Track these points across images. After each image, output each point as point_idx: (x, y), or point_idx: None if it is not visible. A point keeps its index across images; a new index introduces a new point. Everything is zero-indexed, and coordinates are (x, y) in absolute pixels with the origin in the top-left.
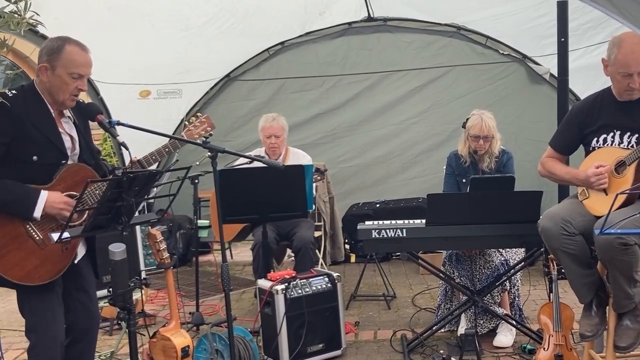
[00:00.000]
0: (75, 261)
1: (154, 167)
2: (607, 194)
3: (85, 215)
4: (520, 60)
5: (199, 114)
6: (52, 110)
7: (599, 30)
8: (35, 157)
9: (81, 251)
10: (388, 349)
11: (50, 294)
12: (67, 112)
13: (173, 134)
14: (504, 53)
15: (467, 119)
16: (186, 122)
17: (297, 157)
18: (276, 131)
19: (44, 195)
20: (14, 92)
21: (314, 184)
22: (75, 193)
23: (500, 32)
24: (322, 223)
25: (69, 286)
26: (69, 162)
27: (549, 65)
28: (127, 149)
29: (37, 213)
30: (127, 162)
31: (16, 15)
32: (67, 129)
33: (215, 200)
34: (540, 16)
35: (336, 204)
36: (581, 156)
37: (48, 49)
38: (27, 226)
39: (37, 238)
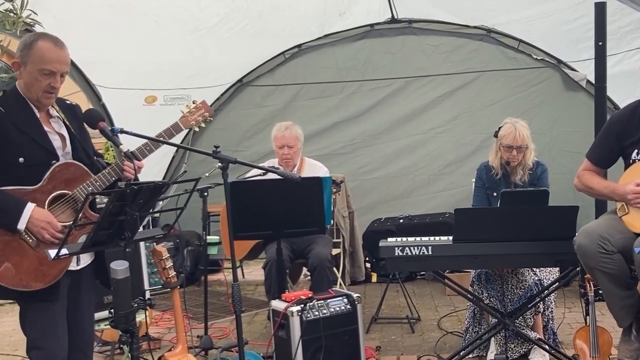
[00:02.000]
0: (78, 266)
1: (160, 176)
2: None
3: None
4: (554, 66)
5: (194, 100)
6: (36, 111)
7: None
8: (21, 159)
9: (85, 257)
10: None
11: (51, 305)
12: (54, 112)
13: (181, 142)
14: (538, 58)
15: (500, 128)
16: (181, 111)
17: (313, 168)
18: (289, 141)
19: (29, 207)
20: None
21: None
22: (67, 192)
23: (534, 35)
24: (340, 240)
25: (73, 300)
26: (61, 161)
27: (586, 71)
28: (130, 159)
29: (22, 225)
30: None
31: (12, 14)
32: (57, 128)
33: (226, 214)
34: (577, 18)
35: (356, 219)
36: (620, 169)
37: (21, 44)
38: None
39: (30, 241)
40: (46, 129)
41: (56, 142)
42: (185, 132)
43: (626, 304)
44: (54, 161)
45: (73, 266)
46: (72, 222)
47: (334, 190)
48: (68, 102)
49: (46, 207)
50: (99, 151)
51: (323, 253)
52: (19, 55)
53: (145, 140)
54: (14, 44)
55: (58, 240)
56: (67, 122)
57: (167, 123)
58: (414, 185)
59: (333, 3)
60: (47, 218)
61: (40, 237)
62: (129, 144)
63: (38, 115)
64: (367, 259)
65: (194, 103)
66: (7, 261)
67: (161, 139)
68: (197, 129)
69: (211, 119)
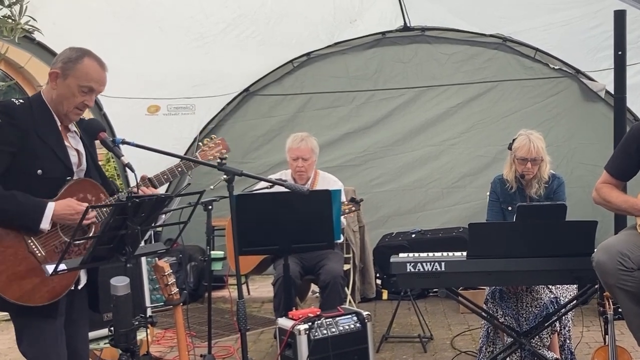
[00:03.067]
0: (79, 287)
1: (163, 188)
2: None
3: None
4: (572, 76)
5: (213, 136)
6: (59, 123)
7: None
8: (40, 171)
9: (84, 277)
10: None
11: (51, 320)
12: (72, 127)
13: (185, 153)
14: (555, 67)
15: (514, 140)
16: (200, 143)
17: (327, 182)
18: (304, 153)
19: (50, 206)
20: (21, 101)
21: (346, 216)
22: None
23: (551, 43)
24: (350, 255)
25: (71, 316)
26: (75, 177)
27: (605, 81)
28: (132, 170)
29: (44, 225)
30: (132, 183)
31: (10, 21)
32: (74, 144)
33: (231, 229)
34: (595, 26)
35: (367, 233)
36: None
37: (65, 57)
38: (29, 241)
39: (39, 255)
40: (65, 143)
41: (74, 157)
42: (189, 143)
43: None
44: (68, 177)
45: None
46: (86, 210)
47: (353, 208)
48: (85, 118)
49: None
50: (100, 162)
51: (336, 269)
52: (60, 67)
53: (163, 170)
54: (12, 51)
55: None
56: (83, 139)
57: (171, 134)
58: (426, 198)
59: (343, 10)
60: (73, 206)
61: (77, 219)
62: (130, 155)
63: (60, 128)
64: (377, 275)
65: (212, 139)
66: (13, 273)
67: (179, 169)
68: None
69: (227, 157)
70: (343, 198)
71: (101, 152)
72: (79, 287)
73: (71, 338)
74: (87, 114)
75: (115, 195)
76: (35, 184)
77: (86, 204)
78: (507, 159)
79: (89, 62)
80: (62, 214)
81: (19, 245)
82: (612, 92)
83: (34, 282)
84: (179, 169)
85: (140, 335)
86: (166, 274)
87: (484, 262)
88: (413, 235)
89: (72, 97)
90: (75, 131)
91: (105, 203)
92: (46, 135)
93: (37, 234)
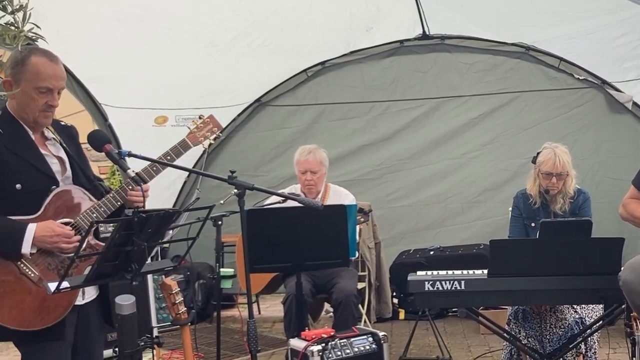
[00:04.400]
0: (83, 300)
1: (169, 204)
2: None
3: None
4: (598, 86)
5: (202, 115)
6: (30, 133)
7: None
8: (18, 185)
9: (91, 291)
10: None
11: (56, 344)
12: (49, 134)
13: (193, 166)
14: (580, 78)
15: (538, 154)
16: (188, 127)
17: (338, 196)
18: (313, 166)
19: (31, 228)
20: None
21: (357, 227)
22: (69, 220)
23: (576, 53)
24: (366, 273)
25: (80, 338)
26: (61, 186)
27: (632, 92)
28: (138, 184)
29: (26, 249)
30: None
31: (13, 28)
32: (54, 151)
33: (242, 245)
34: (622, 35)
35: (383, 250)
36: None
37: (12, 61)
38: (19, 263)
39: (32, 275)
40: (43, 152)
41: (55, 165)
42: (198, 155)
43: None
44: (53, 186)
45: (78, 300)
46: (74, 253)
47: (362, 219)
48: (63, 123)
49: None
50: (103, 176)
51: (349, 287)
52: (10, 74)
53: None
54: None
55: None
56: (64, 145)
57: None
58: (446, 214)
59: (360, 17)
60: (55, 230)
61: (59, 250)
62: (137, 168)
63: (33, 137)
64: (394, 294)
65: (200, 118)
66: (8, 301)
67: (168, 158)
68: (205, 146)
69: (220, 134)
70: None
71: (106, 164)
72: (83, 302)
73: (87, 358)
74: (92, 125)
75: (104, 198)
76: (16, 199)
77: (69, 228)
78: (530, 173)
79: (37, 60)
80: (41, 235)
81: (8, 268)
82: None
83: (32, 305)
84: (168, 157)
85: (146, 356)
86: (173, 292)
87: (505, 281)
88: (431, 253)
89: (32, 101)
90: (53, 138)
91: (111, 219)
92: (18, 148)
93: (24, 256)
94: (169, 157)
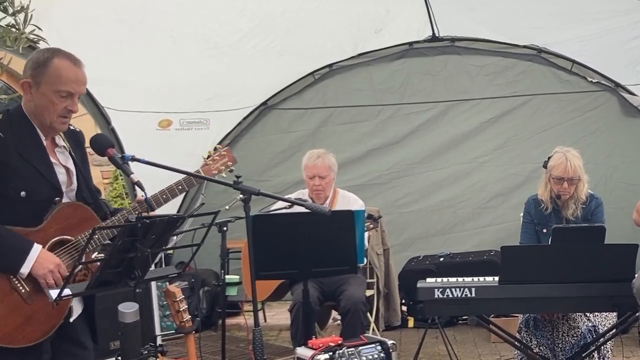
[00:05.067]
0: (71, 319)
1: (173, 210)
2: None
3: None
4: (612, 89)
5: (218, 146)
6: (43, 138)
7: None
8: (23, 193)
9: (77, 308)
10: None
11: None
12: (60, 142)
13: (198, 171)
14: (593, 81)
15: (549, 158)
16: (203, 157)
17: (346, 201)
18: (321, 171)
19: (36, 249)
20: None
21: (366, 234)
22: (69, 237)
23: (588, 55)
24: (374, 280)
25: (59, 352)
26: (64, 199)
27: None
28: (142, 189)
29: (25, 269)
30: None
31: (14, 30)
32: (62, 160)
33: (248, 251)
34: (635, 37)
35: (392, 257)
36: None
37: (33, 62)
38: (12, 277)
39: (23, 291)
40: (52, 160)
41: (61, 176)
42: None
43: None
44: (57, 198)
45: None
46: (75, 265)
47: (371, 226)
48: (72, 127)
49: None
50: (106, 180)
51: (357, 295)
52: (31, 75)
53: (162, 189)
54: (15, 62)
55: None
56: (73, 153)
57: (183, 150)
58: (456, 219)
59: (368, 19)
60: (55, 260)
61: (43, 280)
62: (140, 172)
63: (45, 143)
64: (403, 301)
65: (215, 150)
66: None
67: (179, 187)
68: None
69: (233, 169)
70: None
71: (109, 169)
72: (71, 320)
73: None
74: (94, 129)
75: (108, 220)
76: (19, 208)
77: (64, 268)
78: (542, 178)
79: (59, 63)
80: (40, 262)
81: (2, 280)
82: None
83: (17, 321)
84: (179, 187)
85: None
86: (178, 299)
87: (517, 288)
88: (441, 259)
89: (52, 105)
90: (64, 146)
91: (113, 224)
92: (29, 153)
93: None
94: (180, 187)
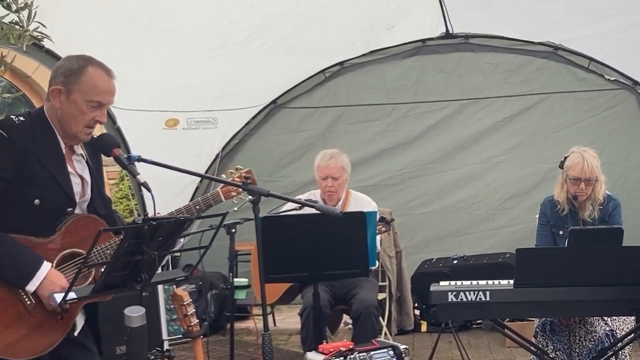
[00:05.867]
0: (75, 333)
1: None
2: None
3: (90, 278)
4: (630, 88)
5: (239, 167)
6: (62, 145)
7: None
8: (37, 201)
9: (80, 321)
10: None
11: None
12: (78, 149)
13: (205, 172)
14: (611, 78)
15: (566, 158)
16: (223, 176)
17: (359, 203)
18: (334, 172)
19: (45, 267)
20: (21, 119)
21: (378, 237)
22: (80, 251)
23: (606, 52)
24: (386, 283)
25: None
26: (77, 210)
27: None
28: (149, 190)
29: (32, 287)
30: (148, 207)
31: (17, 27)
32: (78, 169)
33: (257, 254)
34: None
35: (404, 259)
36: None
37: (66, 69)
38: (19, 289)
39: (29, 303)
40: (69, 168)
41: (77, 186)
42: (210, 160)
43: None
44: (69, 208)
45: (70, 334)
46: (83, 259)
47: (383, 229)
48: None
49: (54, 265)
50: (112, 181)
51: (369, 298)
52: (62, 82)
53: (179, 207)
54: (18, 59)
55: (60, 310)
56: (90, 162)
57: (191, 150)
58: (470, 221)
59: (380, 15)
60: (62, 283)
61: (47, 302)
62: (146, 173)
63: (64, 150)
64: (416, 305)
65: (237, 170)
66: None
67: (197, 207)
68: (235, 202)
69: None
70: None
71: (115, 169)
72: (75, 334)
73: None
74: (99, 129)
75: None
76: (31, 216)
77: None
78: (558, 179)
79: (94, 72)
80: (48, 282)
81: (8, 290)
82: None
83: (19, 333)
84: (197, 207)
85: None
86: (185, 303)
87: (532, 292)
88: (455, 262)
89: (81, 114)
90: (81, 154)
91: (120, 227)
92: (48, 160)
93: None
94: (197, 207)
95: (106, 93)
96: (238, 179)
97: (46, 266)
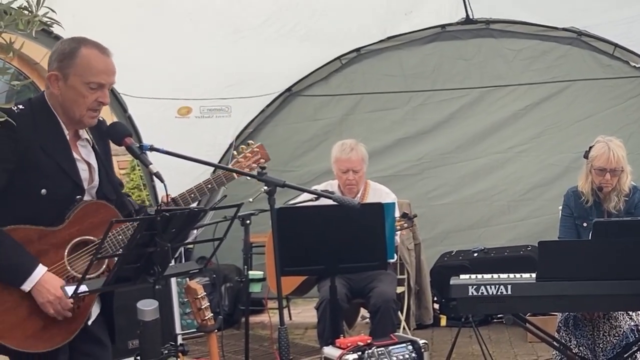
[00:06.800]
0: (89, 322)
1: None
2: None
3: (104, 266)
4: None
5: (250, 142)
6: (66, 131)
7: None
8: (44, 191)
9: (95, 310)
10: None
11: None
12: (83, 134)
13: (219, 161)
14: (636, 65)
15: (591, 148)
16: (234, 152)
17: (378, 194)
18: (355, 165)
19: (40, 271)
20: (20, 107)
21: (399, 233)
22: (92, 238)
23: (632, 39)
24: (405, 276)
25: (75, 352)
26: (86, 196)
27: None
28: (162, 180)
29: (27, 287)
30: (160, 197)
31: (26, 12)
32: (84, 155)
33: (272, 246)
34: None
35: (423, 252)
36: None
37: (59, 53)
38: None
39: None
40: (74, 155)
41: (84, 172)
42: (224, 149)
43: None
44: (78, 196)
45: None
46: (94, 252)
47: (405, 225)
48: None
49: (66, 254)
50: (123, 171)
51: (388, 292)
52: (57, 67)
53: (190, 187)
54: (28, 45)
55: (62, 317)
56: (96, 146)
57: (204, 139)
58: (490, 212)
59: (397, 0)
60: (56, 291)
61: (44, 309)
62: (158, 162)
63: (67, 137)
64: (435, 299)
65: (249, 145)
66: (12, 317)
67: (209, 186)
68: (248, 178)
69: (266, 166)
70: (396, 213)
71: (125, 159)
72: (89, 323)
73: None
74: (110, 117)
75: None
76: (39, 206)
77: (71, 301)
78: (582, 169)
79: (88, 52)
80: (44, 285)
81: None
82: None
83: (37, 325)
84: (209, 186)
85: None
86: (199, 296)
87: (555, 285)
88: (475, 254)
89: (82, 98)
90: (87, 139)
91: (132, 218)
92: (51, 148)
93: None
94: (209, 186)
95: (103, 73)
96: (250, 154)
97: (40, 271)
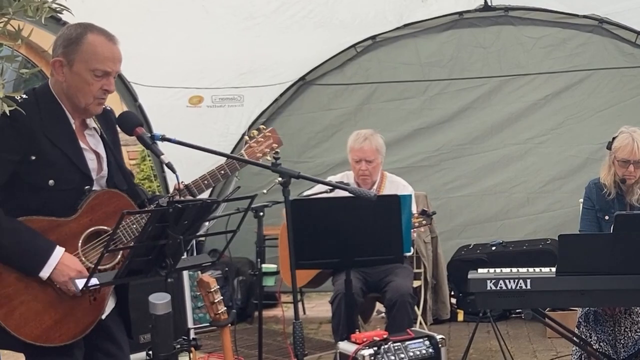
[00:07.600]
0: (103, 316)
1: (206, 194)
2: None
3: (119, 257)
4: None
5: (262, 127)
6: (72, 120)
7: None
8: (51, 182)
9: (110, 303)
10: None
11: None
12: (91, 123)
13: (232, 152)
14: None
15: (614, 139)
16: (247, 137)
17: (395, 186)
18: (368, 154)
19: (57, 253)
20: (24, 96)
21: (416, 229)
22: (106, 228)
23: None
24: (421, 270)
25: (92, 350)
26: (95, 186)
27: None
28: (173, 171)
29: (45, 274)
30: (171, 188)
31: None
32: (92, 144)
33: (286, 238)
34: None
35: (440, 245)
36: None
37: (64, 39)
38: None
39: (58, 287)
40: (81, 144)
41: (92, 162)
42: (236, 139)
43: None
44: (87, 186)
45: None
46: (104, 244)
47: (424, 222)
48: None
49: (80, 245)
50: (133, 161)
51: (404, 286)
52: (62, 53)
53: (203, 174)
54: (36, 33)
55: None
56: (104, 135)
57: (216, 128)
58: (509, 205)
59: None
60: (78, 267)
61: (65, 289)
62: (170, 153)
63: (74, 126)
64: (452, 293)
65: (259, 130)
66: (29, 310)
67: (222, 172)
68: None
69: (278, 151)
70: (413, 207)
71: (136, 149)
72: (103, 317)
73: None
74: (120, 106)
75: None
76: (49, 197)
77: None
78: (604, 161)
79: (94, 39)
80: (64, 266)
81: (35, 276)
82: None
83: (54, 318)
84: (222, 172)
85: (183, 359)
86: (212, 290)
87: (576, 280)
88: (493, 248)
89: (87, 85)
90: (94, 127)
91: (143, 209)
92: (57, 137)
93: None
94: (222, 172)
95: (109, 60)
96: (262, 139)
97: (58, 252)
